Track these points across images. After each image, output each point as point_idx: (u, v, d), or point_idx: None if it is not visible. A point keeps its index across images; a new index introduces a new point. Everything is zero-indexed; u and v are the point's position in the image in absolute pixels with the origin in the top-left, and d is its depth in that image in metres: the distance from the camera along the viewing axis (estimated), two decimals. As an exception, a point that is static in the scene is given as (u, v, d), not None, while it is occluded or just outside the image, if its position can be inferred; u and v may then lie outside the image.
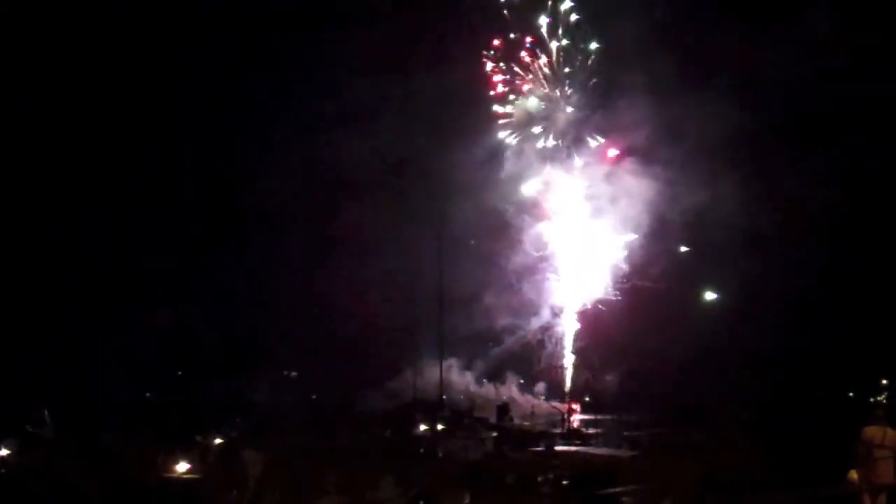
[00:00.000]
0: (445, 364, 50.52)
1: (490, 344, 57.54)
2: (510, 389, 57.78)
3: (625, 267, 55.32)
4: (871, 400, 50.98)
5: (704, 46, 51.67)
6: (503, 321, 56.45)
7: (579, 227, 56.74)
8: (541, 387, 58.79)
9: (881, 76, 51.27)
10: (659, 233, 53.68)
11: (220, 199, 57.74)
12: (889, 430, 17.68)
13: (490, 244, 56.04)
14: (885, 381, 57.25)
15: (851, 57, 50.13)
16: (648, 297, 53.34)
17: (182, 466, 28.45)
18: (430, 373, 50.73)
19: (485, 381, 57.99)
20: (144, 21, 54.09)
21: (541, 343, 57.42)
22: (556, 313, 57.32)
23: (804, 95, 52.07)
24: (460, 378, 53.82)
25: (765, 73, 52.02)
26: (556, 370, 57.58)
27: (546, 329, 57.37)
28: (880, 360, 53.12)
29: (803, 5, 51.70)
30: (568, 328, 57.33)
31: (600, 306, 56.10)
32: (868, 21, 50.22)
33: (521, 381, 59.05)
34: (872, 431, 17.65)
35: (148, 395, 52.68)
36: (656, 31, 51.55)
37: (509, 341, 57.32)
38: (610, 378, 56.51)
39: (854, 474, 17.67)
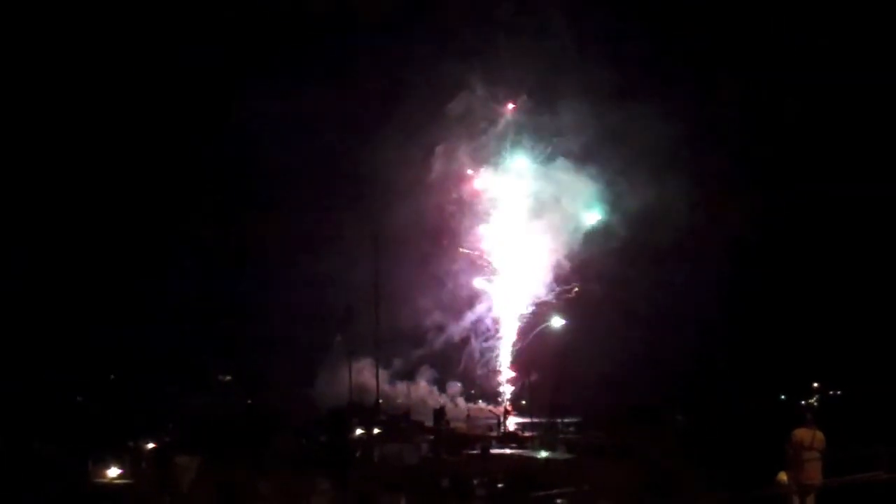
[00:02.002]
0: (358, 365, 49.82)
1: (407, 343, 56.40)
2: (419, 388, 56.96)
3: (565, 266, 55.41)
4: (802, 403, 51.80)
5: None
6: (429, 320, 56.13)
7: (518, 228, 56.69)
8: (455, 387, 58.39)
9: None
10: (596, 236, 53.97)
11: (151, 204, 57.05)
12: (818, 433, 17.91)
13: (423, 243, 55.65)
14: (816, 385, 58.22)
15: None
16: (585, 300, 53.69)
17: (113, 472, 28.00)
18: (343, 375, 50.25)
19: (397, 381, 56.99)
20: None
21: (465, 341, 57.17)
22: (490, 314, 57.21)
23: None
24: (371, 379, 52.26)
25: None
26: (475, 369, 57.45)
27: (475, 324, 57.13)
28: (812, 364, 54.12)
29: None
30: (505, 331, 57.28)
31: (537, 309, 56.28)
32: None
33: (435, 380, 58.34)
34: (802, 434, 17.85)
35: (79, 398, 51.71)
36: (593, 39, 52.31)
37: (434, 340, 56.72)
38: (546, 381, 56.31)
39: (784, 476, 17.84)
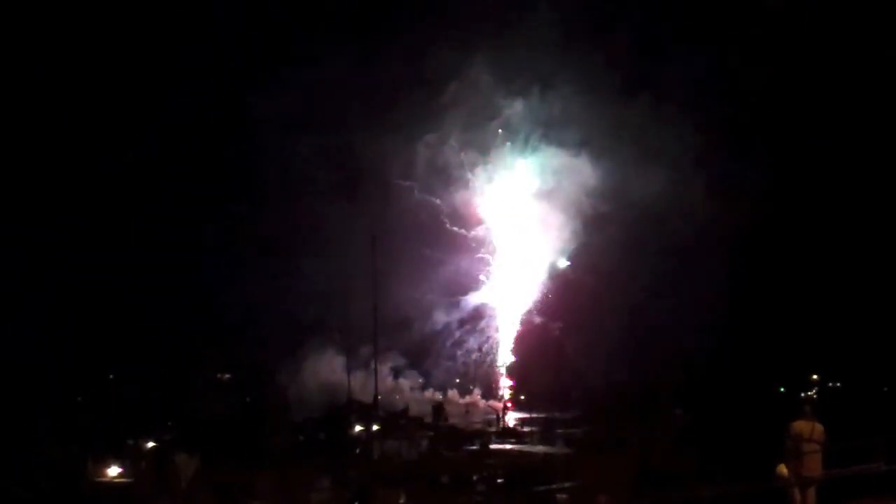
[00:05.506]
0: (326, 359, 49.40)
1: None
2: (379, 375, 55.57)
3: (563, 258, 55.13)
4: (802, 395, 51.80)
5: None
6: (413, 310, 55.40)
7: (515, 223, 56.49)
8: (414, 376, 56.89)
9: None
10: (595, 228, 53.76)
11: (152, 197, 56.99)
12: (817, 425, 17.86)
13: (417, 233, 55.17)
14: (815, 377, 58.25)
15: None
16: (584, 293, 53.52)
17: (113, 470, 28.04)
18: (313, 368, 50.07)
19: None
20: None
21: (444, 332, 56.83)
22: (487, 314, 56.95)
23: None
24: (328, 368, 51.26)
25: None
26: (443, 362, 56.93)
27: (467, 314, 56.78)
28: (811, 356, 54.18)
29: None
30: (502, 327, 57.02)
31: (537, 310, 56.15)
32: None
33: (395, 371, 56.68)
34: (801, 426, 17.80)
35: (79, 398, 51.70)
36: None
37: (414, 330, 55.74)
38: (545, 375, 55.96)
39: (783, 468, 17.80)
